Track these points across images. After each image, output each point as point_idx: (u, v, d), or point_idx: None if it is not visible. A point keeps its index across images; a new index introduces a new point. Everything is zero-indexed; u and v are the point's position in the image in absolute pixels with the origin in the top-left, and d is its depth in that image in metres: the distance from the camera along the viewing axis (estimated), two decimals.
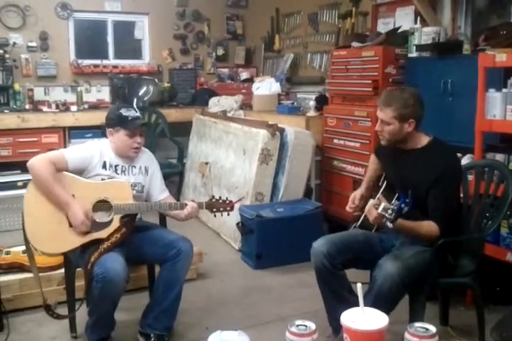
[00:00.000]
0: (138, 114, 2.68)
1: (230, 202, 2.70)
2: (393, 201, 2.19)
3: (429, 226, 2.28)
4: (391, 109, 2.33)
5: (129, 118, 2.62)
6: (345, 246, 2.46)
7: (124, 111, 2.63)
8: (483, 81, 2.89)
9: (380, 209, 2.11)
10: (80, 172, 2.55)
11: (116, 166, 2.64)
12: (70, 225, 2.46)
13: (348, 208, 2.55)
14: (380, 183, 2.54)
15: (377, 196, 2.26)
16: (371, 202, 2.25)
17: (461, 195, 2.56)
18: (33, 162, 2.47)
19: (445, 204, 2.32)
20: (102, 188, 2.52)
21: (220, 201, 2.68)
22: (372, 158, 2.76)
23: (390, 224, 2.14)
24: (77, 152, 2.59)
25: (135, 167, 2.70)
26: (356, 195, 2.55)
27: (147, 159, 2.78)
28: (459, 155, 2.81)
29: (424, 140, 2.44)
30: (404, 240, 2.44)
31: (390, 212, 2.08)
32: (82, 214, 2.43)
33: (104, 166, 2.61)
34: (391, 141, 2.42)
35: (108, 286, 2.29)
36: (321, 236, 2.57)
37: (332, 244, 2.44)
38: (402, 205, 2.08)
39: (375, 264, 2.30)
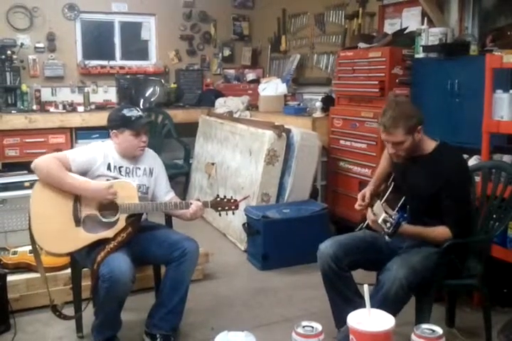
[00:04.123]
0: (140, 113, 2.68)
1: (235, 200, 2.70)
2: (394, 211, 2.22)
3: (443, 232, 2.29)
4: (401, 128, 2.28)
5: (133, 118, 2.62)
6: (352, 247, 2.45)
7: (126, 112, 2.64)
8: (490, 82, 2.88)
9: (379, 221, 2.16)
10: (84, 173, 2.56)
11: (120, 168, 2.65)
12: (76, 225, 2.47)
13: (357, 206, 2.55)
14: (389, 183, 2.53)
15: (384, 199, 2.25)
16: (378, 204, 2.25)
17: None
18: (37, 160, 2.48)
19: (457, 209, 2.31)
20: None
21: (225, 200, 2.69)
22: (385, 153, 2.72)
23: (387, 238, 2.18)
24: (80, 154, 2.59)
25: (139, 168, 2.70)
26: (366, 192, 2.54)
27: (152, 160, 2.78)
28: (465, 156, 2.80)
29: (431, 145, 2.41)
30: (411, 243, 2.42)
31: (388, 225, 2.11)
32: (102, 184, 2.47)
33: (108, 168, 2.61)
34: (407, 155, 2.39)
35: (114, 286, 2.30)
36: (327, 237, 2.56)
37: (339, 246, 2.43)
38: (400, 219, 2.12)
39: (382, 265, 2.29)
